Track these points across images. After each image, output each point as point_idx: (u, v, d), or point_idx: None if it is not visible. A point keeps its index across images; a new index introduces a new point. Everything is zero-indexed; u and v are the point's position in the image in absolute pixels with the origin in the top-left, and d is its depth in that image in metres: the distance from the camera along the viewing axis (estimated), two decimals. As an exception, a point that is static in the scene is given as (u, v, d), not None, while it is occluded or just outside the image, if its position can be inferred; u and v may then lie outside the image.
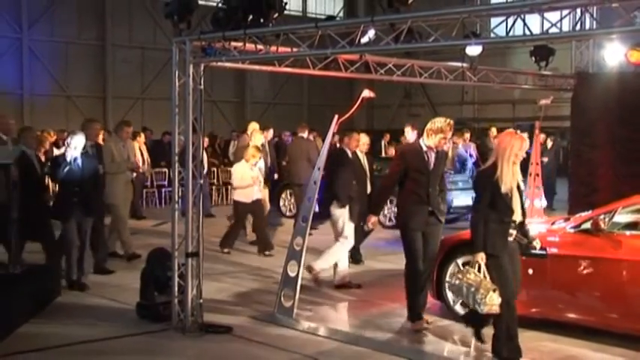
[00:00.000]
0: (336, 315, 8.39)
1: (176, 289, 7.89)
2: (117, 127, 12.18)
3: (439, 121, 7.72)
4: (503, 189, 6.34)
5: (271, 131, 16.48)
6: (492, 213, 6.36)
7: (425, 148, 7.73)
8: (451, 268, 8.00)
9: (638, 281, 6.74)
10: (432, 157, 7.73)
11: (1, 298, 7.59)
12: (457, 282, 6.55)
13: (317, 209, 14.23)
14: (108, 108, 27.85)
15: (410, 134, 13.09)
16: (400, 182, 7.84)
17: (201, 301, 7.91)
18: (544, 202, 13.76)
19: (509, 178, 6.36)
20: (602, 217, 7.20)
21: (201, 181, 8.02)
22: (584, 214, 7.50)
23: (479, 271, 6.40)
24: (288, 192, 16.70)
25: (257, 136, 13.35)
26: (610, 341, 6.94)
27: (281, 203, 17.04)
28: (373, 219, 8.18)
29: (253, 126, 14.63)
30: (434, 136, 7.66)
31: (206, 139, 17.86)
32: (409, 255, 7.74)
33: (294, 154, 14.61)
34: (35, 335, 7.51)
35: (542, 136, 16.91)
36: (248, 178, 11.91)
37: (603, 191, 9.41)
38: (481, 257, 6.37)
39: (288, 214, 16.56)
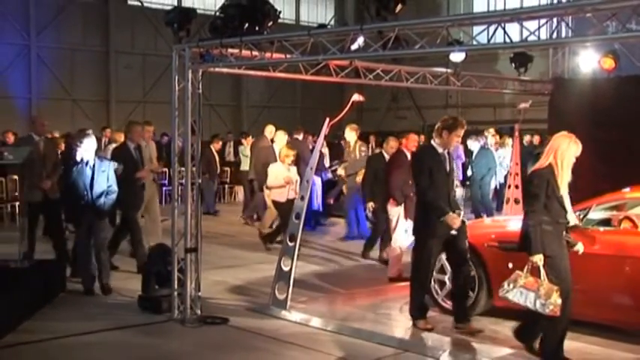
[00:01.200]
0: (327, 307, 8.39)
1: (176, 282, 7.90)
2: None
3: (453, 120, 7.39)
4: (561, 190, 6.11)
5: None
6: (546, 214, 6.07)
7: (440, 150, 7.36)
8: (436, 263, 8.03)
9: (611, 274, 6.77)
10: (447, 157, 7.39)
11: (9, 292, 7.57)
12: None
13: (318, 207, 14.34)
14: (111, 111, 27.78)
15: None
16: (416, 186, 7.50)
17: (199, 293, 7.93)
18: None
19: (567, 180, 6.16)
20: (577, 214, 7.22)
21: (200, 181, 8.01)
22: (562, 212, 7.52)
23: (532, 274, 6.03)
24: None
25: (280, 136, 13.10)
26: (586, 330, 6.96)
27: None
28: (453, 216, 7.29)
29: (270, 128, 14.53)
30: (447, 135, 7.29)
31: (219, 143, 17.77)
32: (424, 262, 7.30)
33: None
34: (42, 326, 7.49)
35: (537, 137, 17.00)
36: (281, 179, 11.53)
37: (583, 190, 9.40)
38: (539, 259, 5.99)
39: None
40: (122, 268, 10.05)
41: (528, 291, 5.99)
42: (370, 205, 10.97)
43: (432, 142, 7.44)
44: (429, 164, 7.29)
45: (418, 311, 7.43)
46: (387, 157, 10.88)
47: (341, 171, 14.43)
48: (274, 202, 11.76)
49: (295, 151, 12.14)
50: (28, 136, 10.16)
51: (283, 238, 11.52)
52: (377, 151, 11.51)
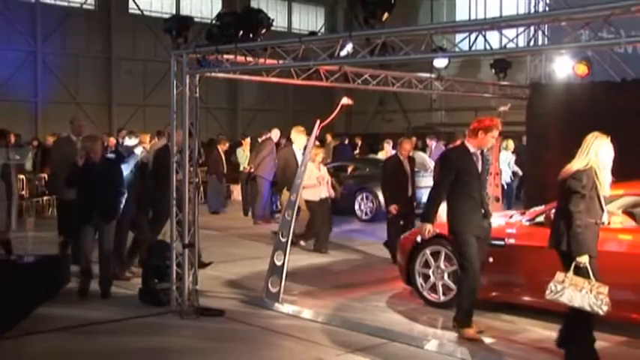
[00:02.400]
0: (317, 300, 8.37)
1: (174, 276, 7.88)
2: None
3: (490, 121, 6.96)
4: (603, 192, 5.85)
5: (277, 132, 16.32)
6: (586, 215, 5.77)
7: (472, 150, 6.90)
8: (420, 258, 8.05)
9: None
10: (479, 157, 6.95)
11: (17, 285, 7.54)
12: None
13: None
14: (113, 114, 27.77)
15: (299, 138, 12.78)
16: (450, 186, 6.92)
17: (197, 287, 7.91)
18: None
19: (608, 180, 5.88)
20: (553, 211, 7.23)
21: (197, 180, 7.99)
22: (538, 209, 7.53)
23: (577, 274, 5.72)
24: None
25: (301, 138, 12.38)
26: (559, 321, 6.96)
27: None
28: (428, 227, 6.98)
29: (276, 132, 14.49)
30: (484, 136, 6.86)
31: (226, 144, 17.52)
32: (469, 260, 6.74)
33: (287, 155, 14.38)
34: (48, 318, 7.45)
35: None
36: (314, 178, 11.19)
37: (555, 188, 9.43)
38: (586, 260, 5.70)
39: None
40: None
41: (579, 291, 5.69)
42: (393, 207, 10.42)
43: (465, 141, 7.00)
44: (457, 165, 6.86)
45: (467, 316, 6.80)
46: (402, 159, 10.66)
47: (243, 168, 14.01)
48: (307, 202, 11.37)
49: (324, 150, 11.90)
50: (66, 136, 10.01)
51: (316, 236, 11.41)
52: (392, 153, 11.10)
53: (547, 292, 5.86)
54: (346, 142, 22.37)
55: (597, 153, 5.87)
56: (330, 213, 11.92)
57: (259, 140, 15.78)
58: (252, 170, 15.28)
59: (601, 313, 5.66)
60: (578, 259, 5.73)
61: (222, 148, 17.11)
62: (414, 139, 10.48)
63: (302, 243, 11.56)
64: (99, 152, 8.51)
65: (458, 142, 7.96)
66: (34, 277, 8.09)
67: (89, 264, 8.44)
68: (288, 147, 12.94)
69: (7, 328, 6.88)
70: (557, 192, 6.09)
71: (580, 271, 5.73)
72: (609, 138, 5.98)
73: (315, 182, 11.26)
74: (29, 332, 6.91)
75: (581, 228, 5.71)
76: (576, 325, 5.94)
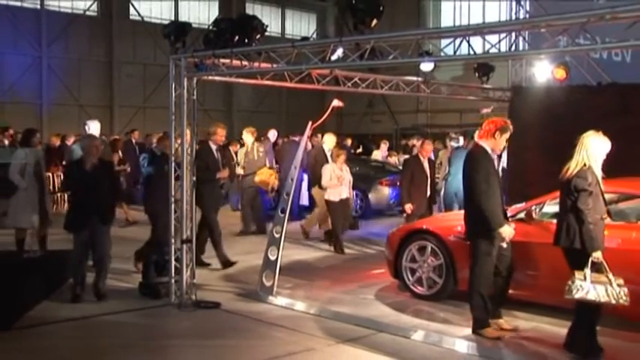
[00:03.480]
0: (309, 293, 8.36)
1: (173, 271, 7.85)
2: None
3: (505, 123, 6.63)
4: (603, 188, 5.76)
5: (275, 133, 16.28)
6: (593, 213, 5.67)
7: (489, 151, 6.57)
8: (407, 253, 8.04)
9: (563, 262, 6.78)
10: (495, 159, 6.62)
11: (21, 280, 7.51)
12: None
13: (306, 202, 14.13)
14: (114, 115, 27.68)
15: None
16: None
17: (194, 281, 7.89)
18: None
19: (599, 177, 5.77)
20: (533, 208, 7.25)
21: (194, 178, 7.96)
22: (520, 206, 7.53)
23: (595, 270, 5.60)
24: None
25: (330, 138, 12.31)
26: (540, 312, 7.01)
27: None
28: (509, 230, 6.45)
29: (273, 132, 14.51)
30: (500, 137, 6.55)
31: (237, 146, 17.17)
32: (486, 261, 6.44)
33: (284, 154, 14.36)
34: (56, 308, 7.48)
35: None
36: (335, 178, 10.90)
37: (535, 186, 9.41)
38: (600, 255, 5.59)
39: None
40: (126, 257, 9.91)
41: (600, 286, 5.56)
42: (408, 207, 10.13)
43: (481, 143, 6.60)
44: (486, 167, 6.45)
45: (480, 322, 6.54)
46: (422, 160, 10.40)
47: (240, 170, 13.73)
48: (327, 202, 11.09)
49: (345, 152, 11.59)
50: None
51: (336, 238, 11.09)
52: (413, 154, 10.72)
53: (569, 291, 5.64)
54: (348, 142, 22.07)
55: (588, 150, 5.79)
56: (350, 213, 11.78)
57: (262, 139, 15.79)
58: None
59: (626, 303, 5.58)
60: (595, 254, 5.61)
61: (234, 149, 16.92)
62: (430, 145, 10.24)
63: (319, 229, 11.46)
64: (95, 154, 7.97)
65: (472, 144, 7.72)
66: (38, 271, 8.07)
67: (84, 272, 8.00)
68: (317, 146, 12.90)
69: (13, 320, 6.86)
70: (561, 192, 5.94)
71: (597, 267, 5.61)
72: (600, 133, 5.88)
73: (337, 182, 10.95)
74: (33, 324, 6.89)
75: (593, 225, 5.61)
76: (585, 319, 5.81)
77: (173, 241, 7.85)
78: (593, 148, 5.80)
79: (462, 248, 7.49)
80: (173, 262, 7.85)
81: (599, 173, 5.80)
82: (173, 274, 7.85)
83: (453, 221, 8.04)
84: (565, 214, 5.87)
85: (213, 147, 9.69)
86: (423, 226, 8.23)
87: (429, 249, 7.87)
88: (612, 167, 6.05)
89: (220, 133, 9.71)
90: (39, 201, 9.21)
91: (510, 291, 7.23)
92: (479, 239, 6.48)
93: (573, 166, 5.81)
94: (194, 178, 7.92)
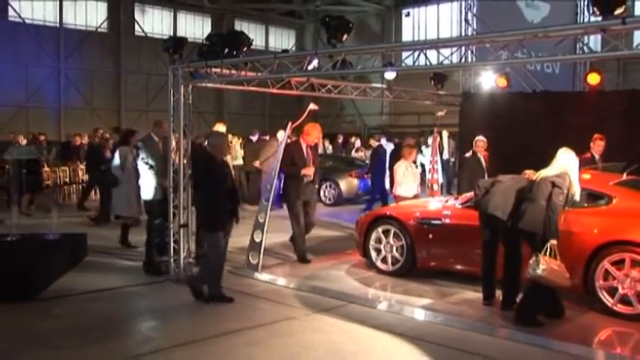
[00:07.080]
0: (290, 270, 8.31)
1: (172, 251, 7.77)
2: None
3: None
4: (576, 194, 5.80)
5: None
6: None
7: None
8: (374, 235, 7.99)
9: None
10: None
11: (44, 257, 7.40)
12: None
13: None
14: (122, 118, 27.45)
15: (220, 129, 11.97)
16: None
17: (190, 260, 7.80)
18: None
19: (577, 185, 5.82)
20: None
21: (190, 172, 7.86)
22: (468, 195, 7.54)
23: (550, 254, 5.60)
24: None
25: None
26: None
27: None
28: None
29: (281, 133, 13.72)
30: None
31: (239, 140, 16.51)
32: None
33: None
34: (72, 283, 7.39)
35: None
36: (409, 175, 9.74)
37: (481, 176, 9.46)
38: (556, 242, 5.61)
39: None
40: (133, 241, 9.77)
41: (557, 268, 5.60)
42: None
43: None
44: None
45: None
46: (480, 157, 9.71)
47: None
48: (399, 197, 9.74)
49: (415, 149, 10.64)
50: (147, 135, 8.54)
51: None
52: (470, 152, 9.88)
53: (531, 270, 5.62)
54: (340, 140, 21.56)
55: (569, 166, 5.79)
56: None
57: (250, 138, 15.93)
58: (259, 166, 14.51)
59: (568, 284, 5.68)
60: (552, 241, 5.62)
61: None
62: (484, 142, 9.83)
63: None
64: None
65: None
66: (57, 251, 7.95)
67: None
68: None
69: (38, 292, 6.82)
70: (537, 187, 5.83)
71: (551, 252, 5.62)
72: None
73: (411, 179, 9.76)
74: (55, 296, 6.84)
75: (555, 219, 5.61)
76: (537, 294, 5.80)
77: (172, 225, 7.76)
78: (573, 164, 5.83)
79: (420, 231, 7.51)
80: (172, 244, 7.76)
81: (575, 183, 5.79)
82: (172, 254, 7.76)
83: (412, 208, 8.04)
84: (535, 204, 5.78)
85: (303, 145, 8.65)
86: (387, 212, 8.20)
87: (392, 232, 7.85)
88: (542, 163, 6.05)
89: (314, 135, 8.68)
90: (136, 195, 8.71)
91: (459, 267, 7.27)
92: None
93: (545, 173, 5.83)
94: (190, 172, 7.81)
